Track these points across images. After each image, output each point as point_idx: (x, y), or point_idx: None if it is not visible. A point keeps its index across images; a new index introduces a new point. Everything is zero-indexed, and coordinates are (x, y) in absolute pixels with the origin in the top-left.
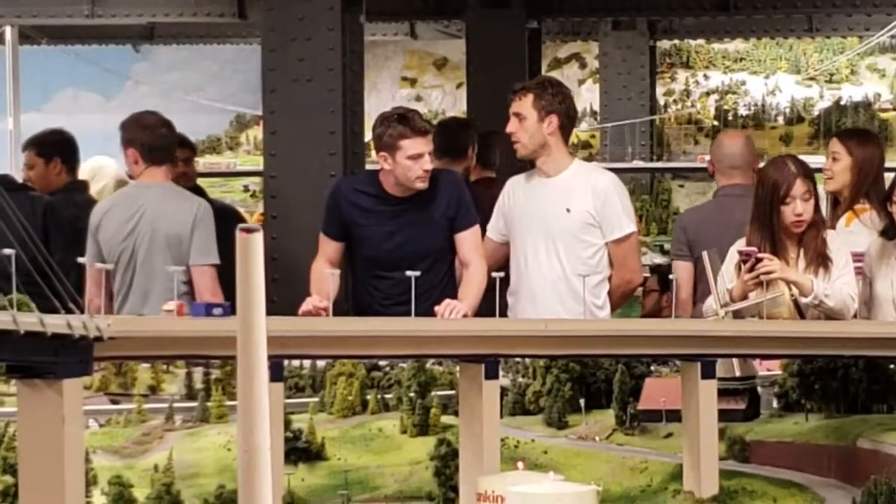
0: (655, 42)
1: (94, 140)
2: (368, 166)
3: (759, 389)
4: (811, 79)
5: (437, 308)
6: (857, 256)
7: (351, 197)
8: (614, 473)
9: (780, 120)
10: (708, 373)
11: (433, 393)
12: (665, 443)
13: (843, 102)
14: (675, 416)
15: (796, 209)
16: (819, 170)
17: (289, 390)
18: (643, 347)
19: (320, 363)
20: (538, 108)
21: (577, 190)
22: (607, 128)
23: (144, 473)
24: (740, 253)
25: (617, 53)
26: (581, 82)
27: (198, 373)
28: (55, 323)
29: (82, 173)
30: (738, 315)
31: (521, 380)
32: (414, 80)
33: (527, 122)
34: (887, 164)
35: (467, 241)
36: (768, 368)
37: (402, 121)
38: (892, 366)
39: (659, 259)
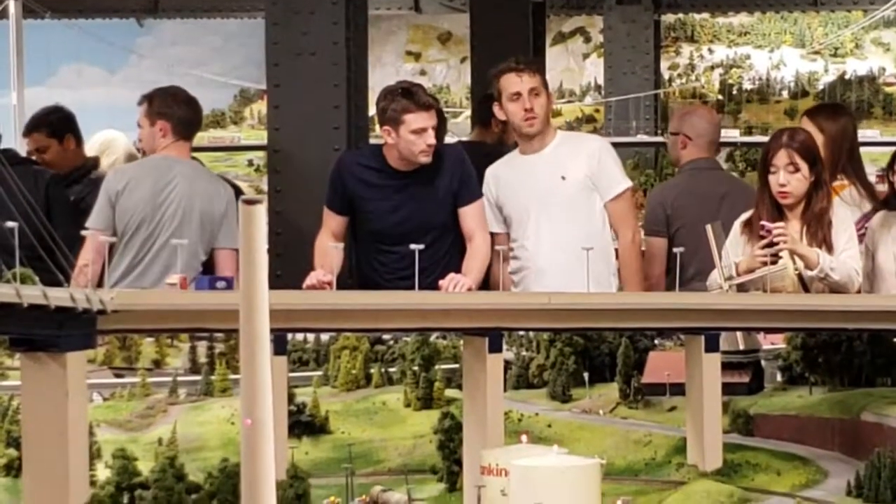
0: (660, 16)
1: (98, 114)
2: (372, 141)
3: (763, 363)
4: (816, 53)
5: (441, 282)
6: None
7: (355, 171)
8: (618, 447)
9: (785, 94)
10: (712, 346)
11: (437, 366)
12: (669, 416)
13: (847, 76)
14: (678, 389)
15: (779, 179)
16: None
17: (292, 364)
18: (647, 321)
19: (324, 337)
20: (544, 84)
21: (568, 157)
22: (611, 102)
23: (148, 447)
24: (762, 227)
25: (621, 28)
26: (585, 56)
27: (202, 346)
28: (58, 296)
29: (91, 147)
30: (741, 288)
31: (524, 353)
32: (418, 55)
33: (542, 98)
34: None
35: (471, 215)
36: (772, 342)
37: (407, 95)
38: (895, 339)
39: None
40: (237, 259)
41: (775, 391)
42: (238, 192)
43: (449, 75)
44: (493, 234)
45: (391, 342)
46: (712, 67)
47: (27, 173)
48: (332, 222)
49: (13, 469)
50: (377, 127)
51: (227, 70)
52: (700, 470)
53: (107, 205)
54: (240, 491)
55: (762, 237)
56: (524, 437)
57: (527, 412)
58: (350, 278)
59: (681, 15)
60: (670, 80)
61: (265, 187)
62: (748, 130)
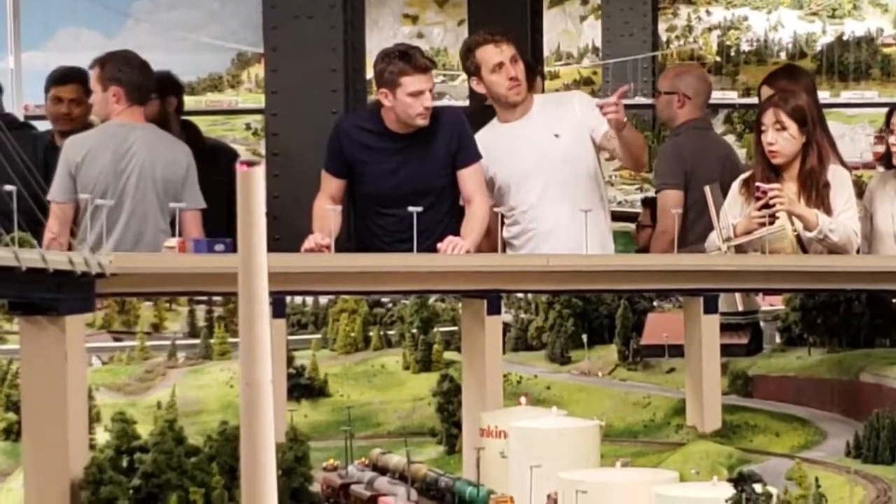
0: None
1: None
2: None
3: (762, 324)
4: (814, 14)
5: (439, 244)
6: None
7: (353, 134)
8: (617, 409)
9: (783, 56)
10: (710, 308)
11: (436, 329)
12: (668, 378)
13: (845, 38)
14: (677, 351)
15: (767, 138)
16: (822, 105)
17: (291, 327)
18: (646, 282)
19: (322, 300)
20: (518, 51)
21: (555, 116)
22: (609, 64)
23: (148, 410)
24: (757, 188)
25: None
26: (583, 18)
27: (200, 310)
28: (57, 259)
29: None
30: (740, 249)
31: (523, 315)
32: (416, 17)
33: (520, 65)
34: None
35: (469, 178)
36: (771, 303)
37: (404, 58)
38: (894, 300)
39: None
40: (200, 220)
41: (774, 352)
42: (235, 156)
43: (447, 38)
44: None
45: (390, 305)
46: (710, 29)
47: (26, 138)
48: (331, 185)
49: (12, 433)
50: (375, 90)
51: (225, 34)
52: (699, 431)
53: (67, 176)
54: (239, 454)
55: (758, 198)
56: (523, 399)
57: (525, 374)
58: (348, 241)
59: None
60: (668, 42)
61: (263, 151)
62: (746, 92)
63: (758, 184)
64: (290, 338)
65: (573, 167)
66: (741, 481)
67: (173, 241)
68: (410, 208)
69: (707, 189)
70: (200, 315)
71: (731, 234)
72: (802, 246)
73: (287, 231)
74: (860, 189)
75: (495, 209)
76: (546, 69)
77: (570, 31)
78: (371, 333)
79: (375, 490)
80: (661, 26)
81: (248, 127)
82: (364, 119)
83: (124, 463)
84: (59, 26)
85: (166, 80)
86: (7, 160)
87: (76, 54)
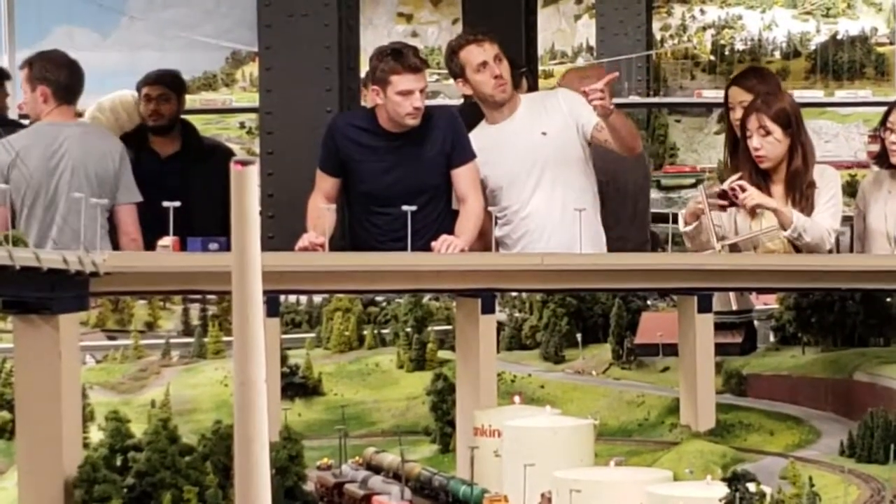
0: None
1: (90, 76)
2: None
3: (756, 323)
4: (808, 13)
5: (433, 243)
6: None
7: (347, 132)
8: (611, 407)
9: (777, 55)
10: (704, 307)
11: (430, 328)
12: (662, 377)
13: (839, 37)
14: (671, 350)
15: (753, 143)
16: (816, 104)
17: (285, 326)
18: (640, 281)
19: (317, 298)
20: (502, 49)
21: (541, 114)
22: (603, 63)
23: (141, 409)
24: (720, 195)
25: None
26: (577, 17)
27: (194, 309)
28: (50, 258)
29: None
30: (734, 249)
31: (517, 314)
32: (410, 16)
33: (505, 63)
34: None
35: (463, 177)
36: (765, 302)
37: (396, 56)
38: (888, 299)
39: (656, 194)
40: (135, 213)
41: (768, 351)
42: (231, 155)
43: (441, 37)
44: None
45: (384, 304)
46: (704, 28)
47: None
48: (325, 184)
49: (6, 431)
50: (367, 87)
51: (219, 32)
52: (693, 430)
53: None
54: (233, 452)
55: (732, 198)
56: (517, 398)
57: (520, 373)
58: (343, 240)
59: None
60: (662, 41)
61: (258, 149)
62: None
63: (727, 185)
64: (284, 336)
65: (563, 164)
66: (735, 480)
67: (167, 240)
68: (405, 207)
69: (701, 188)
70: (194, 314)
71: (724, 234)
72: (795, 245)
73: (282, 230)
74: (853, 188)
75: (489, 209)
76: (540, 68)
77: (564, 30)
78: (365, 332)
79: (369, 489)
80: (656, 25)
81: (242, 125)
82: (358, 118)
83: (118, 461)
84: (53, 25)
85: (178, 80)
86: None
87: (71, 53)
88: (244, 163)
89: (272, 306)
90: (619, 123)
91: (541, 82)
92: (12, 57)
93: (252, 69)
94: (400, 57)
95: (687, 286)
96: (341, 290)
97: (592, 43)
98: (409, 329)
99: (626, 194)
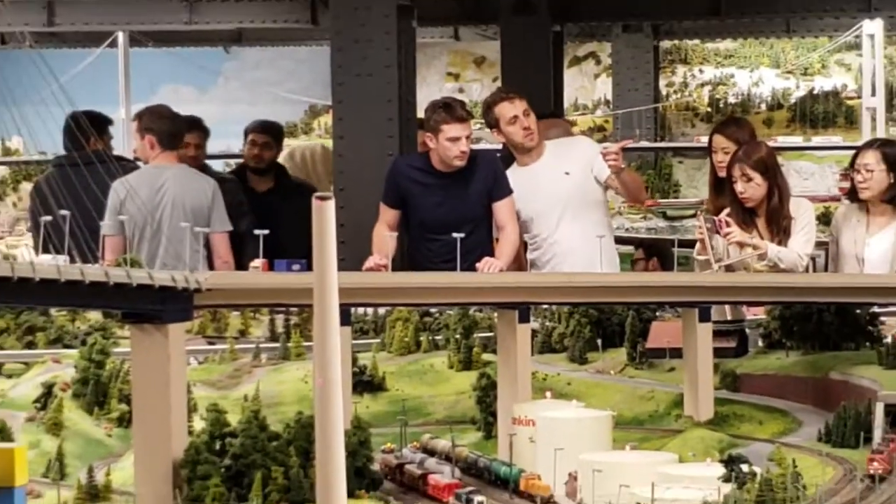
0: (658, 42)
1: None
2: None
3: (747, 331)
4: (789, 72)
5: (478, 264)
6: None
7: (406, 172)
8: (626, 401)
9: (763, 107)
10: (704, 317)
11: (475, 334)
12: (669, 376)
13: (815, 92)
14: (677, 353)
15: (737, 188)
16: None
17: (355, 333)
18: (650, 296)
19: (381, 310)
20: (529, 101)
21: (564, 157)
22: (618, 114)
23: (236, 402)
24: (709, 220)
25: (626, 52)
26: (597, 76)
27: (279, 319)
28: (161, 277)
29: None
30: (729, 269)
31: (548, 323)
32: (457, 75)
33: (532, 116)
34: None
35: (502, 209)
36: (754, 313)
37: (446, 108)
38: (858, 311)
39: (662, 223)
40: (227, 240)
41: (757, 354)
42: (313, 190)
43: (483, 92)
44: None
45: (437, 314)
46: (702, 85)
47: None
48: (387, 215)
49: (125, 421)
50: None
51: (299, 89)
52: (695, 420)
53: (113, 214)
54: (313, 438)
55: (719, 231)
56: (548, 394)
57: (550, 372)
58: (402, 262)
59: (676, 41)
60: (667, 95)
61: (331, 187)
62: None
63: (716, 219)
64: (355, 342)
65: (583, 200)
66: (731, 462)
67: (258, 262)
68: (454, 234)
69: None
70: (279, 323)
71: (721, 257)
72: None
73: (351, 253)
74: (828, 218)
75: (523, 236)
76: (566, 118)
77: (585, 87)
78: (421, 338)
79: (425, 469)
80: (662, 82)
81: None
82: (415, 160)
83: (217, 446)
84: (161, 83)
85: (279, 131)
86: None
87: (175, 107)
88: (323, 198)
89: (345, 317)
90: (629, 179)
91: None
92: (128, 110)
93: (326, 119)
94: (449, 109)
95: (690, 300)
96: (401, 304)
97: (609, 97)
98: (458, 335)
99: None
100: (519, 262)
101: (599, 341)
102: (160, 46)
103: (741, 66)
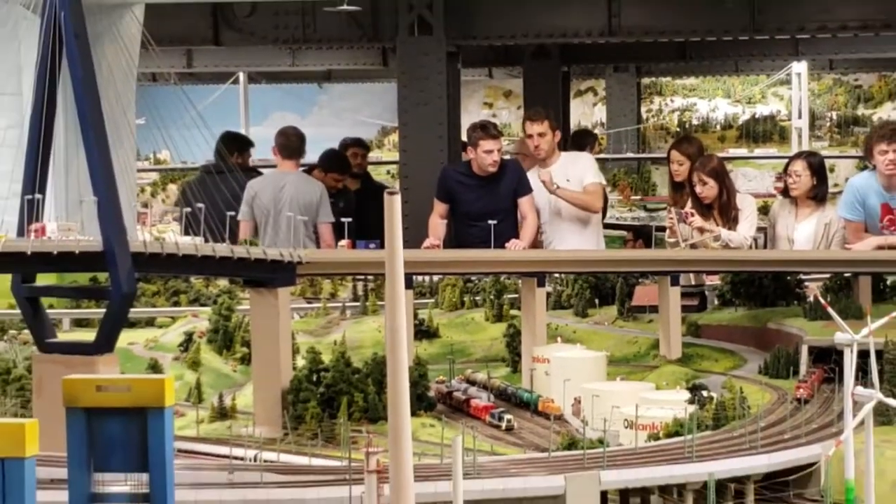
0: (640, 79)
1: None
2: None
3: (706, 292)
4: (737, 101)
5: (507, 244)
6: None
7: (453, 176)
8: (616, 345)
9: (718, 127)
10: (675, 282)
11: (505, 296)
12: (648, 326)
13: (757, 116)
14: (654, 309)
15: (697, 190)
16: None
17: (416, 295)
18: (635, 267)
19: (435, 278)
20: (552, 126)
21: (569, 167)
22: (611, 133)
23: (328, 346)
24: (678, 212)
25: (616, 87)
26: (594, 104)
27: (360, 284)
28: (272, 252)
29: None
30: (692, 247)
31: (558, 287)
32: (491, 104)
33: (547, 136)
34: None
35: (524, 203)
36: (711, 280)
37: (482, 129)
38: (788, 277)
39: (643, 214)
40: (330, 228)
41: (714, 310)
42: (383, 187)
43: (510, 117)
44: None
45: (477, 281)
46: (673, 111)
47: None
48: (439, 208)
49: (245, 360)
50: (466, 148)
51: (374, 114)
52: (667, 359)
53: (247, 205)
54: (385, 372)
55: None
56: (559, 339)
57: (560, 324)
58: (450, 242)
59: (653, 78)
60: (647, 119)
61: (397, 187)
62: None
63: (682, 211)
64: (416, 301)
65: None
66: (694, 389)
67: (344, 242)
68: (489, 222)
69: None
70: (360, 287)
71: (687, 238)
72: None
73: (413, 236)
74: (766, 210)
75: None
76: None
77: (586, 112)
78: (465, 298)
79: (468, 395)
80: (643, 109)
81: (388, 172)
82: (460, 167)
83: (314, 378)
84: (271, 111)
85: (367, 146)
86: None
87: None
88: (393, 193)
89: (408, 282)
90: (567, 196)
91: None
92: (247, 131)
93: (394, 137)
94: (485, 129)
95: (664, 270)
96: (450, 273)
97: (604, 120)
98: (492, 296)
99: None
100: (536, 243)
101: (597, 300)
102: (270, 83)
103: (702, 97)
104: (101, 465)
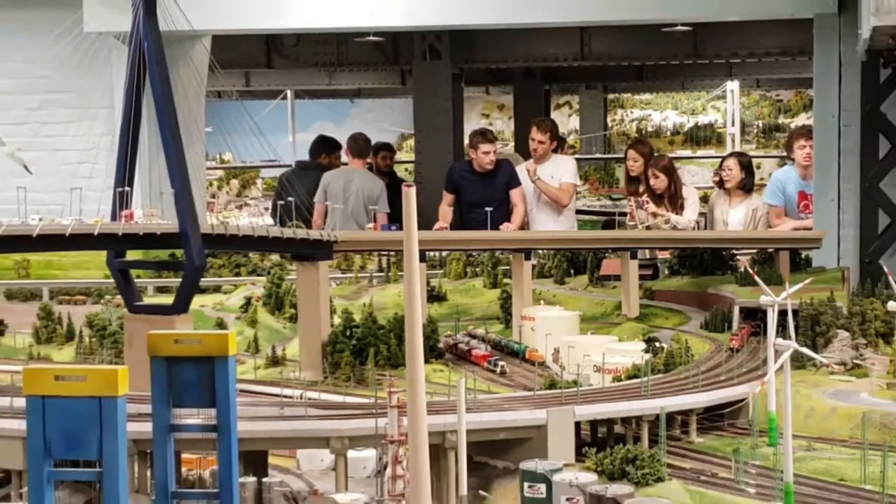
0: (606, 95)
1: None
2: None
3: (659, 264)
4: (683, 112)
5: (501, 227)
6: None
7: (458, 172)
8: (588, 306)
9: (668, 133)
10: (633, 256)
11: (499, 267)
12: (613, 291)
13: (699, 124)
14: (618, 278)
15: (652, 183)
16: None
17: (429, 267)
18: (602, 244)
19: (444, 253)
20: (552, 137)
21: (556, 167)
22: (583, 138)
23: (359, 307)
24: (636, 201)
25: (587, 101)
26: (570, 115)
27: (384, 259)
28: (314, 233)
29: None
30: (649, 228)
31: (542, 260)
32: (487, 115)
33: (545, 144)
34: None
35: (515, 194)
36: (663, 254)
37: (481, 134)
38: (723, 252)
39: (609, 202)
40: (387, 217)
41: (665, 279)
42: (402, 181)
43: (504, 125)
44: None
45: (476, 255)
46: (632, 121)
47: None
48: (447, 198)
49: (293, 318)
50: (467, 150)
51: (396, 123)
52: (628, 317)
53: (322, 192)
54: (404, 329)
55: (641, 206)
56: (542, 302)
57: (543, 289)
58: (456, 225)
59: (617, 94)
60: (612, 127)
61: (413, 181)
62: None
63: (639, 199)
64: (428, 272)
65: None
66: (649, 341)
67: (370, 225)
68: (487, 209)
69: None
70: (384, 261)
71: (643, 221)
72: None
73: (426, 220)
74: (706, 199)
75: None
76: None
77: (563, 122)
78: (468, 269)
79: (470, 346)
80: (609, 119)
81: (406, 170)
82: (463, 165)
83: (348, 333)
84: (312, 121)
85: (393, 149)
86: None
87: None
88: (409, 185)
89: (422, 257)
90: (543, 188)
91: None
92: (294, 137)
93: (411, 142)
94: (483, 135)
95: (625, 247)
96: (456, 249)
97: (577, 127)
98: (489, 268)
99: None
100: (524, 226)
101: (572, 271)
102: (312, 99)
103: (655, 109)
104: (178, 402)
